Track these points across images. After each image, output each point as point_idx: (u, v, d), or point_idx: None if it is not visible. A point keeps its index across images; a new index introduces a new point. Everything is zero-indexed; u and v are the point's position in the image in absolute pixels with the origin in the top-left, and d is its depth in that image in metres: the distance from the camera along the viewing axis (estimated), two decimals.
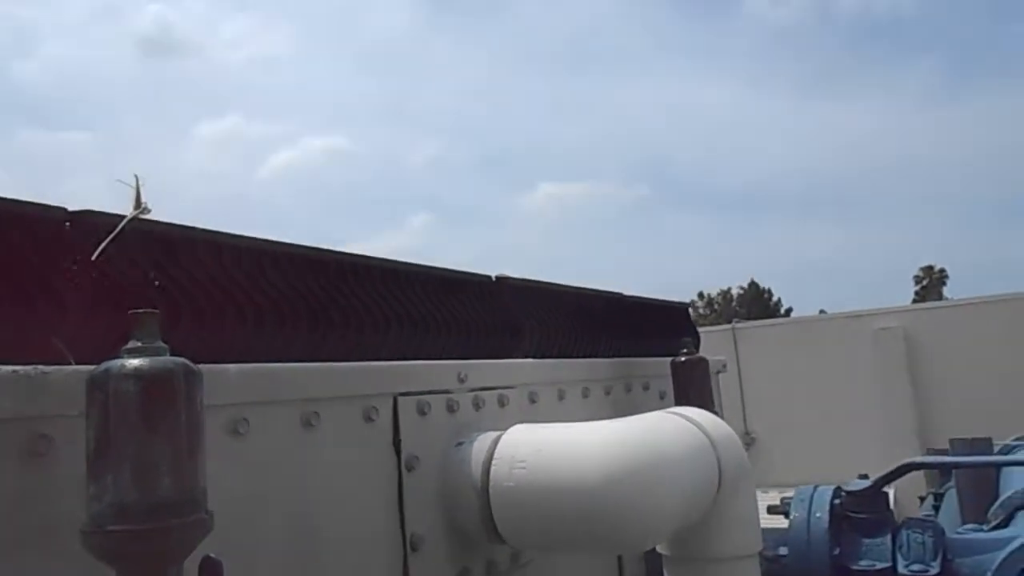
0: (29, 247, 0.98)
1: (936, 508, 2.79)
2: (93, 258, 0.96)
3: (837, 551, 1.73)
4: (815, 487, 1.85)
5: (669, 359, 2.22)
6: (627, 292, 2.45)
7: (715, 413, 1.65)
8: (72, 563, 0.84)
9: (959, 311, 7.55)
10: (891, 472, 1.84)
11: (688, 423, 1.41)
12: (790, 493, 2.07)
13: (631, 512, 1.22)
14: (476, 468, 1.35)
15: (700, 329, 3.19)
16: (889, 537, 1.71)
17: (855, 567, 1.70)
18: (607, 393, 1.98)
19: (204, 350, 0.97)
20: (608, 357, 2.11)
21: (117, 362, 0.72)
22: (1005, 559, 1.67)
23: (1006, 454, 2.57)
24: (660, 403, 2.20)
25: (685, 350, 2.03)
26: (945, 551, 1.66)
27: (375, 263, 1.48)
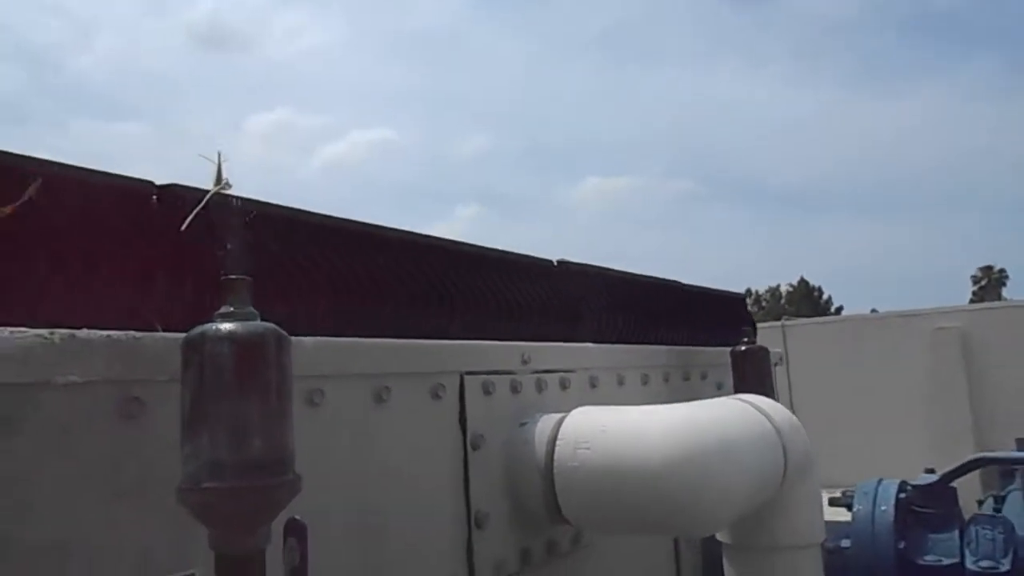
0: (119, 218, 1.02)
1: (996, 511, 2.72)
2: (182, 228, 0.99)
3: (902, 545, 1.69)
4: (879, 480, 1.82)
5: (726, 349, 2.20)
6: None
7: None
8: (161, 520, 0.88)
9: (1020, 312, 7.33)
10: (960, 467, 1.80)
11: (755, 410, 1.40)
12: (838, 493, 2.04)
13: (696, 496, 1.22)
14: (540, 448, 1.36)
15: None
16: (957, 533, 1.67)
17: (921, 562, 1.67)
18: (665, 380, 1.98)
19: (281, 322, 1.00)
20: (666, 345, 2.10)
21: (212, 325, 0.74)
22: None
23: None
24: (717, 393, 2.18)
25: (746, 339, 2.01)
26: (1016, 548, 1.62)
27: (442, 244, 1.49)
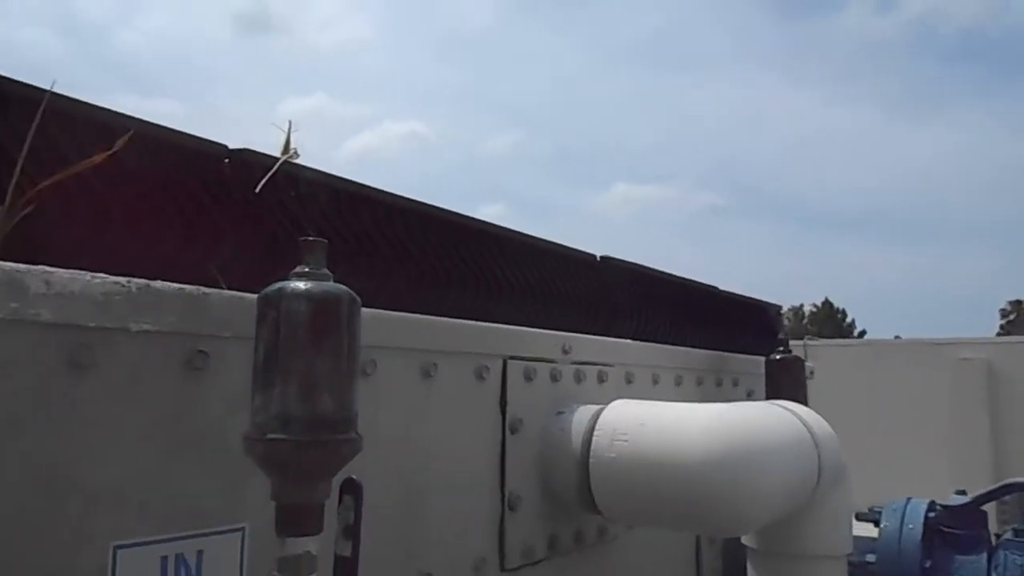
0: (193, 177, 1.04)
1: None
2: (256, 190, 1.02)
3: (928, 564, 1.69)
4: (908, 499, 1.82)
5: (758, 357, 2.21)
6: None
7: None
8: (216, 474, 0.90)
9: None
10: (994, 490, 1.79)
11: (792, 415, 1.40)
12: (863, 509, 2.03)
13: (731, 496, 1.23)
14: (577, 438, 1.37)
15: None
16: (985, 556, 1.67)
17: None
18: (698, 383, 1.98)
19: None
20: (699, 348, 2.10)
21: (289, 283, 0.76)
22: None
23: None
24: (747, 400, 2.18)
25: (781, 348, 2.01)
26: None
27: (494, 230, 1.51)
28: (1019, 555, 1.64)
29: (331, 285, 0.77)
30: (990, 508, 2.04)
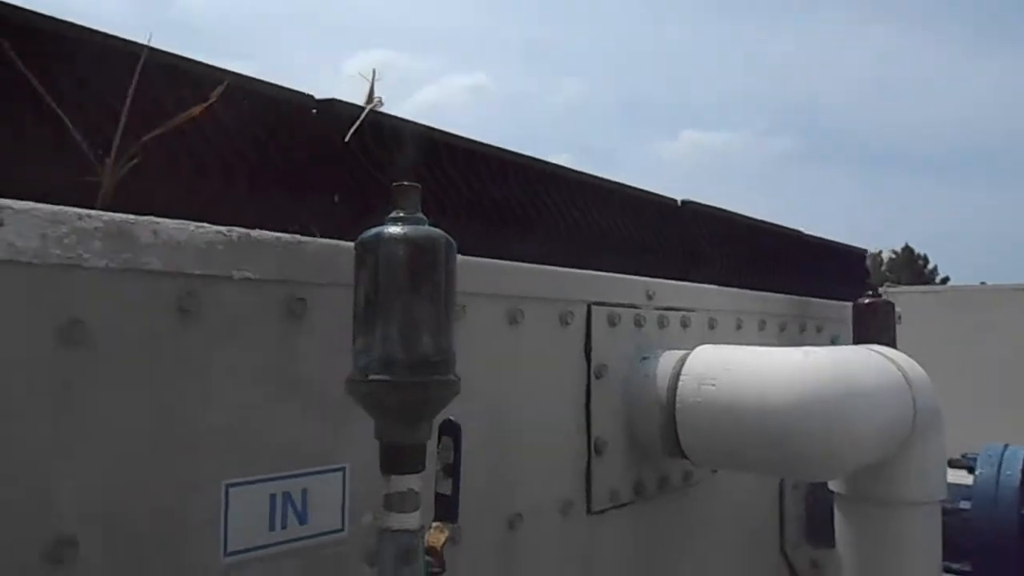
0: (282, 129, 1.06)
1: None
2: (346, 139, 1.03)
3: None
4: (1005, 445, 1.76)
5: (844, 303, 2.15)
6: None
7: None
8: (317, 417, 0.93)
9: None
10: None
11: (886, 360, 1.36)
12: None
13: (823, 440, 1.20)
14: (662, 383, 1.36)
15: None
16: None
17: None
18: (781, 329, 1.94)
19: None
20: (783, 293, 2.05)
21: (386, 228, 0.77)
22: None
23: None
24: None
25: (870, 292, 1.95)
26: None
27: (575, 175, 1.50)
28: None
29: (427, 228, 0.77)
30: None
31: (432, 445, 0.85)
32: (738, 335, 1.75)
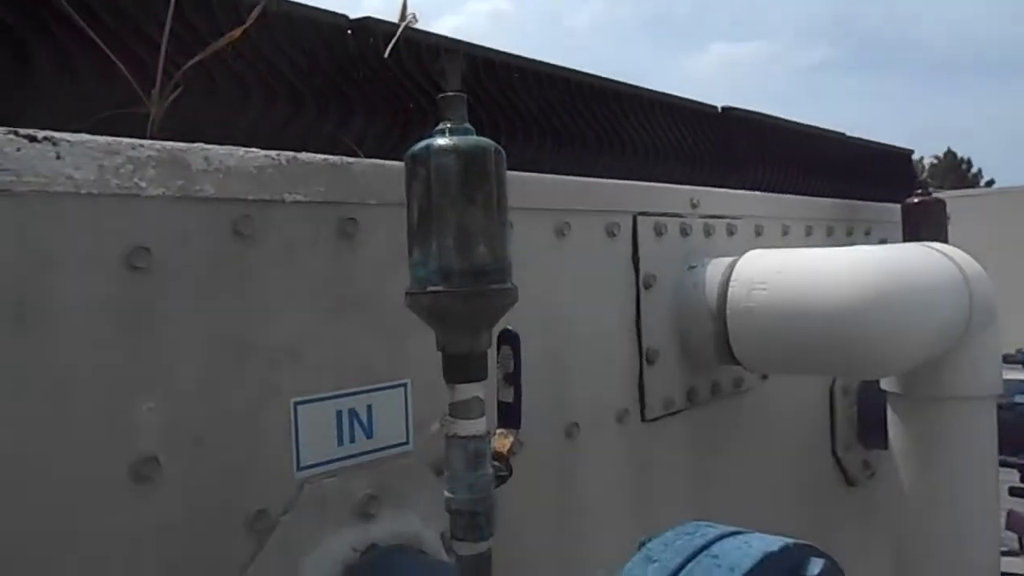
0: (320, 50, 1.05)
1: None
2: (385, 54, 1.01)
3: None
4: None
5: (891, 204, 2.10)
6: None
7: None
8: (377, 333, 0.95)
9: None
10: None
11: (941, 255, 1.34)
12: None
13: (879, 338, 1.20)
14: (712, 290, 1.36)
15: None
16: None
17: None
18: (828, 234, 1.91)
19: None
20: (828, 197, 2.02)
21: (435, 139, 0.76)
22: None
23: None
24: None
25: (919, 191, 1.90)
26: None
27: (613, 85, 1.47)
28: None
29: (477, 138, 0.77)
30: None
31: (492, 356, 0.86)
32: (785, 241, 1.73)
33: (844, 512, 1.92)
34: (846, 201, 2.03)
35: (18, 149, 0.69)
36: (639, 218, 1.33)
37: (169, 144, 0.79)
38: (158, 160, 0.77)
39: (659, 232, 1.37)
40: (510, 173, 1.11)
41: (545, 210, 1.17)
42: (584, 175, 1.29)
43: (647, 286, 1.34)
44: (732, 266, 1.36)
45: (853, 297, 1.17)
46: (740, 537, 0.60)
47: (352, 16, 1.08)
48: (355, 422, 0.93)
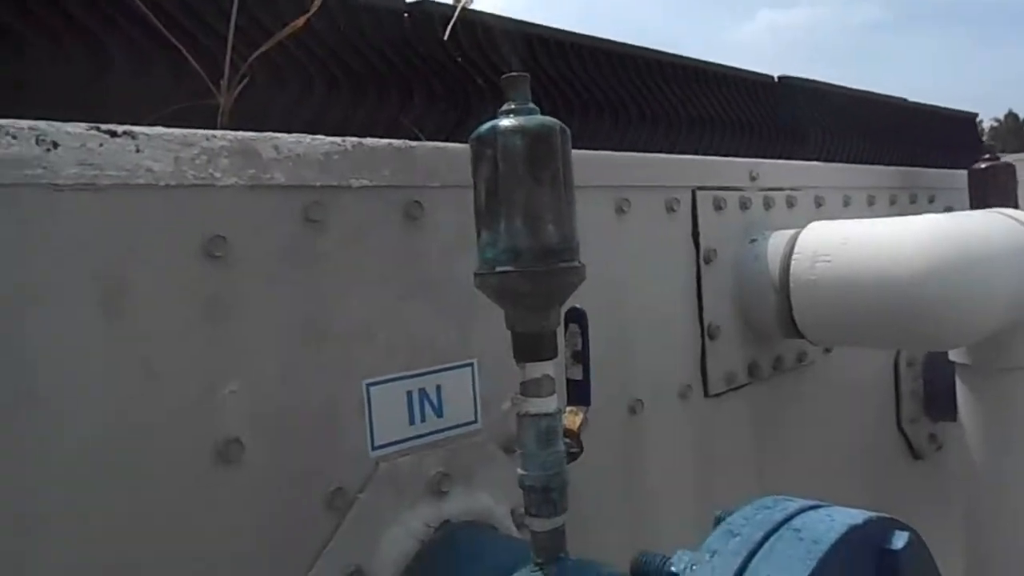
0: (377, 36, 1.06)
1: None
2: (444, 37, 1.02)
3: None
4: None
5: (956, 171, 2.04)
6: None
7: None
8: (444, 315, 0.96)
9: None
10: None
11: (1012, 221, 1.30)
12: None
13: (951, 308, 1.17)
14: (774, 263, 1.35)
15: None
16: None
17: None
18: (892, 203, 1.87)
19: None
20: (892, 165, 1.97)
21: (500, 120, 0.77)
22: None
23: None
24: None
25: (987, 155, 1.84)
26: None
27: (667, 58, 1.45)
28: None
29: (541, 117, 0.77)
30: None
31: (560, 334, 0.87)
32: (846, 212, 1.70)
33: (910, 486, 1.89)
34: (908, 169, 1.97)
35: (100, 144, 0.71)
36: (698, 192, 1.32)
37: (240, 134, 0.80)
38: (230, 150, 0.79)
39: (718, 206, 1.36)
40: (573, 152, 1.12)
41: (604, 187, 1.16)
42: (642, 151, 1.28)
43: (707, 261, 1.33)
44: (795, 238, 1.34)
45: (918, 267, 1.14)
46: (822, 510, 0.60)
47: (409, 0, 1.08)
48: (425, 402, 0.95)
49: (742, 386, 1.41)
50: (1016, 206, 1.80)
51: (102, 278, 0.71)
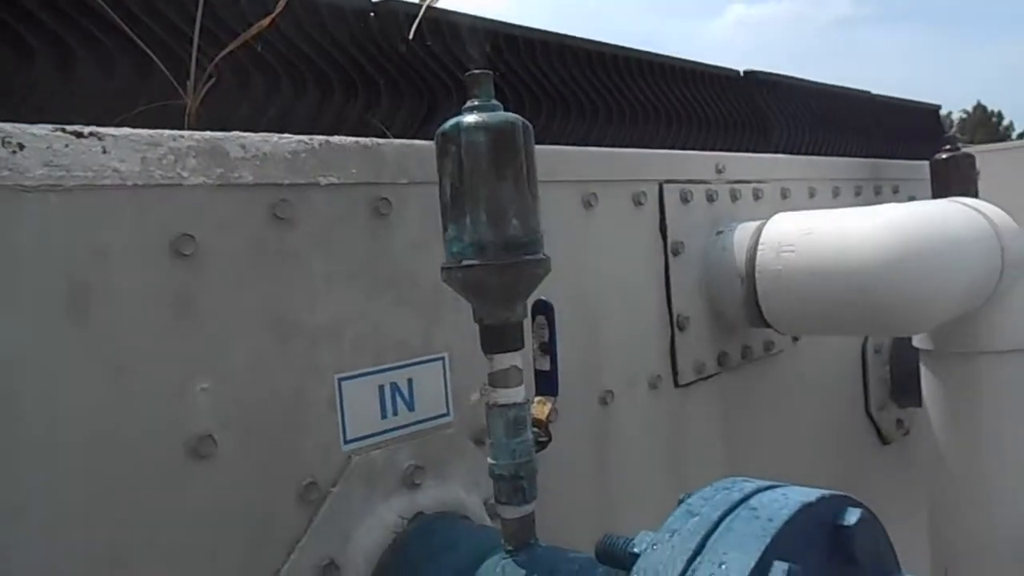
0: (343, 35, 1.07)
1: None
2: (410, 36, 1.03)
3: None
4: None
5: (919, 162, 2.09)
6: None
7: None
8: (414, 310, 0.97)
9: None
10: None
11: (970, 210, 1.33)
12: None
13: (910, 295, 1.20)
14: (740, 254, 1.37)
15: None
16: None
17: None
18: (857, 194, 1.91)
19: None
20: (856, 157, 2.01)
21: (464, 117, 0.78)
22: None
23: None
24: None
25: (948, 146, 1.88)
26: None
27: (632, 54, 1.47)
28: None
29: (504, 113, 0.78)
30: None
31: (527, 327, 0.88)
32: (812, 203, 1.73)
33: (879, 470, 1.93)
34: (872, 160, 2.01)
35: (66, 145, 0.72)
36: (665, 186, 1.34)
37: (208, 134, 0.81)
38: (198, 150, 0.80)
39: (685, 199, 1.38)
40: (537, 147, 1.13)
41: (571, 182, 1.18)
42: (610, 146, 1.30)
43: (675, 253, 1.35)
44: (760, 230, 1.36)
45: (880, 255, 1.17)
46: (778, 490, 0.62)
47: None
48: (397, 396, 0.96)
49: (712, 376, 1.43)
50: (976, 195, 1.84)
51: (70, 278, 0.72)
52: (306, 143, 0.88)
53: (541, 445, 0.86)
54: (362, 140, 0.93)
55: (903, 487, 1.91)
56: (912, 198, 2.14)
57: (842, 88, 2.12)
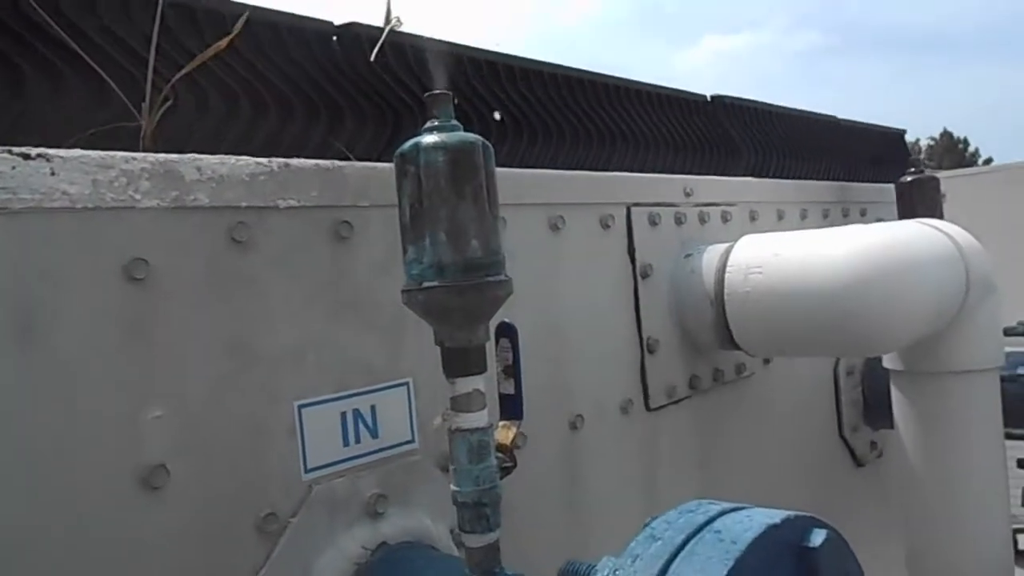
0: (306, 58, 1.06)
1: None
2: (372, 58, 1.02)
3: None
4: None
5: (886, 185, 2.11)
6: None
7: None
8: (377, 334, 0.96)
9: None
10: None
11: (935, 230, 1.34)
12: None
13: (878, 315, 1.20)
14: (709, 277, 1.37)
15: None
16: None
17: None
18: (824, 216, 1.92)
19: None
20: (824, 180, 2.02)
21: (423, 137, 0.77)
22: None
23: None
24: None
25: (913, 169, 1.90)
26: None
27: (599, 79, 1.48)
28: None
29: (463, 133, 0.77)
30: None
31: (491, 350, 0.87)
32: (780, 225, 1.74)
33: (853, 493, 1.93)
34: (840, 183, 2.03)
35: (13, 167, 0.70)
36: (633, 209, 1.34)
37: (162, 156, 0.80)
38: (151, 172, 0.78)
39: (653, 222, 1.38)
40: (501, 170, 1.12)
41: (538, 205, 1.17)
42: (577, 169, 1.29)
43: (644, 276, 1.35)
44: (728, 252, 1.36)
45: (847, 275, 1.18)
46: (742, 512, 0.61)
47: (338, 22, 1.09)
48: (360, 422, 0.94)
49: (683, 399, 1.42)
50: (941, 217, 1.86)
51: (17, 304, 0.69)
52: (264, 165, 0.87)
53: (506, 471, 0.84)
54: (323, 163, 0.92)
55: (878, 509, 1.90)
56: (879, 220, 2.16)
57: (808, 112, 2.15)
